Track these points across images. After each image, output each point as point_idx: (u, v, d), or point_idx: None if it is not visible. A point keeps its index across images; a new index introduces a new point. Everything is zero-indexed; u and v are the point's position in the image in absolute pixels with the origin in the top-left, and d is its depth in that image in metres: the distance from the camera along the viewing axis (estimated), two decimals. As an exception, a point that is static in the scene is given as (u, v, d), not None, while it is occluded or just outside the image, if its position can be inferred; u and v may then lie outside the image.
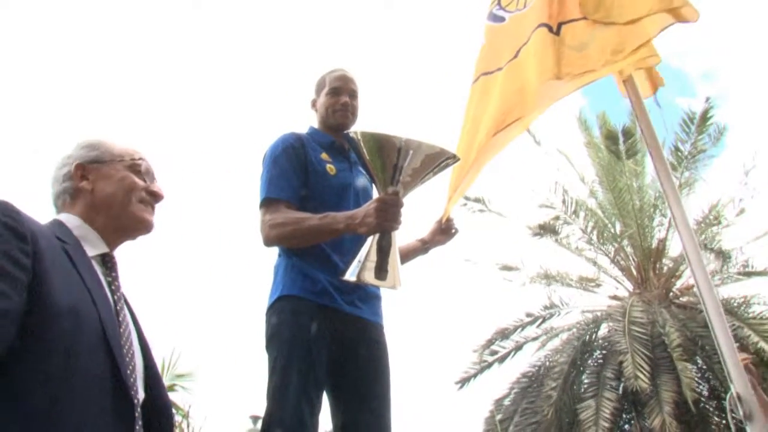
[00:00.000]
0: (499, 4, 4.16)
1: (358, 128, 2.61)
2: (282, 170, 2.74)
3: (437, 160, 2.24)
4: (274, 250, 2.85)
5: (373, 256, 2.27)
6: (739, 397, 3.18)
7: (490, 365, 14.15)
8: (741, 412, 3.14)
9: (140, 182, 1.84)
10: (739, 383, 3.18)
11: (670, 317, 11.98)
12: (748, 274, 13.48)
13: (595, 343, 13.97)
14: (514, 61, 3.77)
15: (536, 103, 3.55)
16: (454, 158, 2.30)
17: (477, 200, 14.44)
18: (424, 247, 3.14)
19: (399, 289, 2.31)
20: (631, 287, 14.18)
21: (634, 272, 14.09)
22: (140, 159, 1.88)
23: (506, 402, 13.90)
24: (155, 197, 1.87)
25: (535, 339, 14.29)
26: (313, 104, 3.09)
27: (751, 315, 12.35)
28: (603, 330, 13.64)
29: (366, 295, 2.77)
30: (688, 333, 11.91)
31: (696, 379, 10.33)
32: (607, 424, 11.70)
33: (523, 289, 14.51)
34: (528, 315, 14.28)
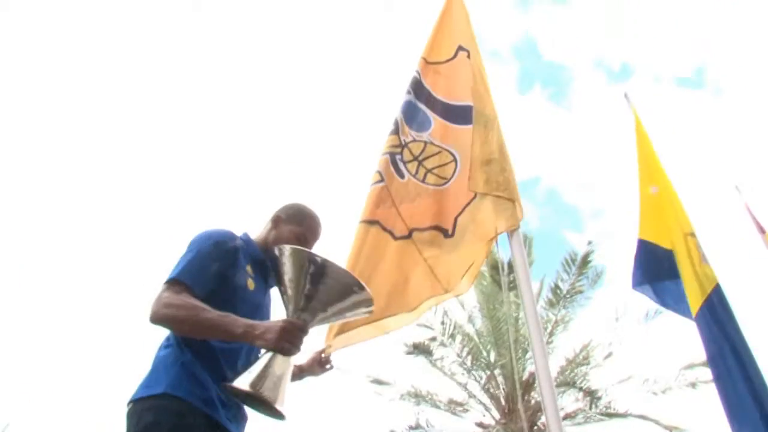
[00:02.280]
0: (401, 153, 4.44)
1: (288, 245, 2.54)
2: (202, 260, 2.59)
3: (349, 294, 2.38)
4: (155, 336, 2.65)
5: (268, 373, 2.26)
6: None
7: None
8: None
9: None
10: None
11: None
12: (610, 416, 13.84)
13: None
14: (404, 242, 4.13)
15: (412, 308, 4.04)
16: (367, 304, 2.43)
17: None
18: (299, 373, 3.13)
19: (283, 415, 2.30)
20: (498, 416, 14.25)
21: (503, 402, 14.21)
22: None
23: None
24: None
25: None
26: (277, 223, 2.96)
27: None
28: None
29: (240, 415, 2.64)
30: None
31: None
32: None
33: (392, 405, 14.39)
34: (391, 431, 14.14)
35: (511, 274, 4.08)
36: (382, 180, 4.31)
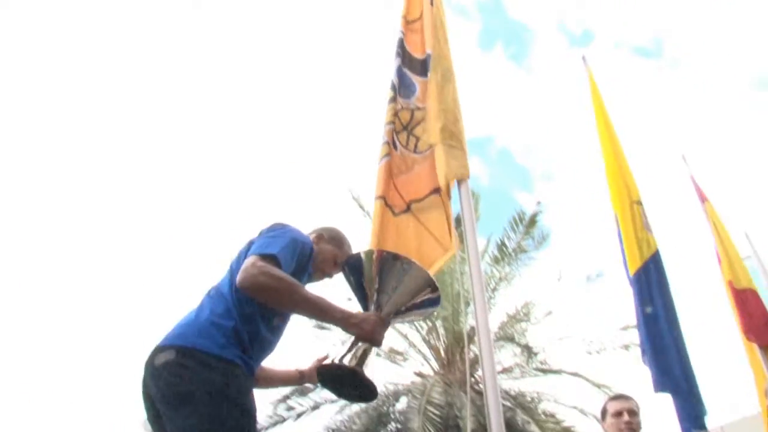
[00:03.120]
0: (394, 123, 4.38)
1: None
2: (292, 251, 2.68)
3: (424, 292, 2.56)
4: None
5: (365, 359, 2.43)
6: None
7: (284, 420, 13.95)
8: None
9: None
10: None
11: (467, 402, 12.28)
12: (545, 371, 14.19)
13: (392, 416, 14.09)
14: (404, 216, 4.14)
15: None
16: (434, 297, 2.59)
17: (308, 255, 14.41)
18: (299, 378, 3.24)
19: (376, 395, 2.55)
20: (437, 367, 14.47)
21: (443, 353, 14.43)
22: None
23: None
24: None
25: (333, 402, 14.25)
26: (319, 240, 3.07)
27: (539, 410, 12.97)
28: (402, 404, 13.80)
29: None
30: (482, 419, 12.26)
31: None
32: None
33: (333, 350, 14.49)
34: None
35: (458, 228, 4.08)
36: (389, 153, 4.28)
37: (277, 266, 2.51)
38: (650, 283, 5.25)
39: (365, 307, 2.58)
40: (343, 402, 14.23)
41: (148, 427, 2.61)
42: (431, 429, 11.70)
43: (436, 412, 12.16)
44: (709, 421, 4.86)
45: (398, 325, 14.30)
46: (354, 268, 2.65)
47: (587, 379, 13.88)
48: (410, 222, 4.11)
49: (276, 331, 2.78)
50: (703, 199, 7.28)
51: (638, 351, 5.50)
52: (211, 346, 2.48)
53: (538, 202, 14.96)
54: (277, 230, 2.76)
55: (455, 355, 14.12)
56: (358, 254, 2.66)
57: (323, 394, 14.13)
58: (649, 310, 5.21)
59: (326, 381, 2.58)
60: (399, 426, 13.60)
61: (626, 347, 13.68)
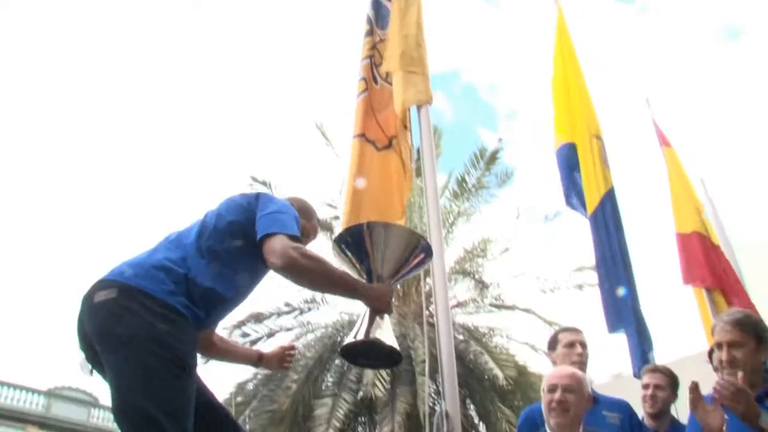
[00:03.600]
0: (373, 57, 4.29)
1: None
2: (298, 229, 2.63)
3: (415, 251, 2.61)
4: None
5: (386, 328, 2.55)
6: (447, 415, 3.42)
7: (239, 346, 14.00)
8: (445, 428, 3.39)
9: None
10: (449, 401, 3.43)
11: (421, 334, 12.42)
12: (499, 307, 14.42)
13: (346, 345, 14.22)
14: (386, 152, 4.09)
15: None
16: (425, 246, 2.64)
17: (263, 183, 14.34)
18: (257, 359, 3.19)
19: (401, 358, 2.67)
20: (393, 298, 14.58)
21: (398, 286, 14.53)
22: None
23: (249, 386, 13.82)
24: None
25: (289, 330, 14.37)
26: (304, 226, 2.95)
27: (492, 344, 13.21)
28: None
29: None
30: (435, 351, 12.43)
31: (432, 394, 10.77)
32: (338, 424, 11.98)
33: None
34: (287, 305, 14.34)
35: (417, 161, 4.06)
36: (366, 89, 4.18)
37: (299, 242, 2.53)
38: (606, 221, 5.29)
39: (369, 280, 2.61)
40: (298, 330, 14.37)
41: (87, 367, 2.52)
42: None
43: (390, 342, 12.31)
44: (656, 358, 4.96)
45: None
46: (349, 244, 2.66)
47: (540, 317, 14.13)
48: (392, 158, 4.08)
49: (239, 293, 2.69)
50: (663, 143, 7.30)
51: (591, 291, 5.59)
52: (158, 290, 2.38)
53: (500, 139, 15.02)
54: (277, 204, 2.67)
55: (411, 288, 14.24)
56: (355, 228, 2.68)
57: (279, 321, 14.24)
58: (607, 254, 5.27)
59: (352, 357, 2.67)
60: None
61: (579, 287, 13.90)
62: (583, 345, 3.95)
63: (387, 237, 2.57)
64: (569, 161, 5.53)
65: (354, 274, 2.64)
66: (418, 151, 4.22)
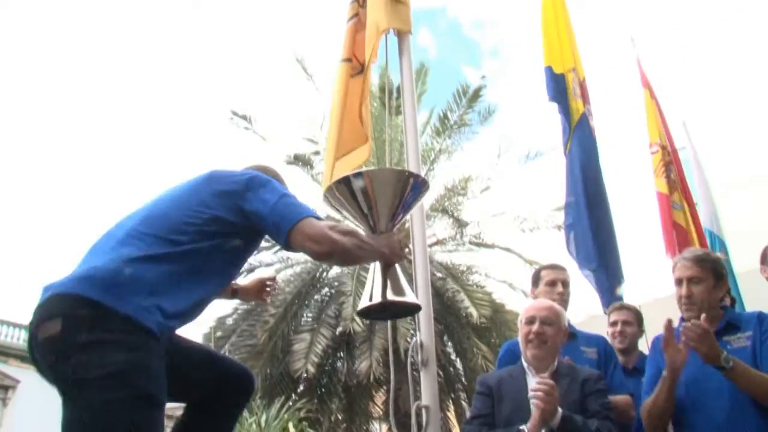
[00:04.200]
0: None
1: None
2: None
3: (407, 186, 2.48)
4: None
5: (393, 282, 2.48)
6: (421, 345, 3.52)
7: (218, 284, 14.01)
8: (419, 358, 3.51)
9: None
10: (424, 333, 3.50)
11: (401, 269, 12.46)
12: (478, 245, 14.50)
13: (325, 281, 14.34)
14: (359, 77, 4.11)
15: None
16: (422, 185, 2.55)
17: (243, 117, 14.19)
18: (232, 293, 3.13)
19: (420, 306, 2.73)
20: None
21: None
22: None
23: (228, 321, 13.88)
24: None
25: (269, 265, 14.36)
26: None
27: (469, 282, 13.32)
28: (335, 270, 14.00)
29: None
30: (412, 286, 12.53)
31: (410, 330, 10.90)
32: (317, 359, 12.11)
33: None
34: (266, 240, 14.29)
35: (399, 98, 4.01)
36: (356, 14, 4.12)
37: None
38: (578, 155, 5.32)
39: (371, 228, 2.48)
40: (278, 265, 14.38)
41: None
42: (362, 292, 11.94)
43: (369, 277, 12.40)
44: (629, 299, 5.03)
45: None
46: (339, 199, 2.49)
47: (519, 255, 14.25)
48: (360, 84, 4.09)
49: (215, 293, 2.43)
50: (644, 84, 7.26)
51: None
52: (124, 304, 1.98)
53: (483, 76, 14.84)
54: (270, 188, 2.36)
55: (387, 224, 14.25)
56: (340, 182, 2.45)
57: (258, 257, 14.22)
58: (572, 198, 5.29)
59: (372, 317, 2.83)
60: (332, 290, 13.85)
61: (559, 227, 13.94)
62: (565, 284, 3.96)
63: (374, 185, 2.42)
64: (558, 86, 5.53)
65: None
66: (398, 89, 4.19)
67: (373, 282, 2.50)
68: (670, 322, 2.99)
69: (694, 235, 6.34)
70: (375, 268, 2.51)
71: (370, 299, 2.47)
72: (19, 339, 25.09)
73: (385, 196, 2.43)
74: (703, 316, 2.91)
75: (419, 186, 2.51)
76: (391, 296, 2.44)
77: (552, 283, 3.95)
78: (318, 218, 2.29)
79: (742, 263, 7.03)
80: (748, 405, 2.90)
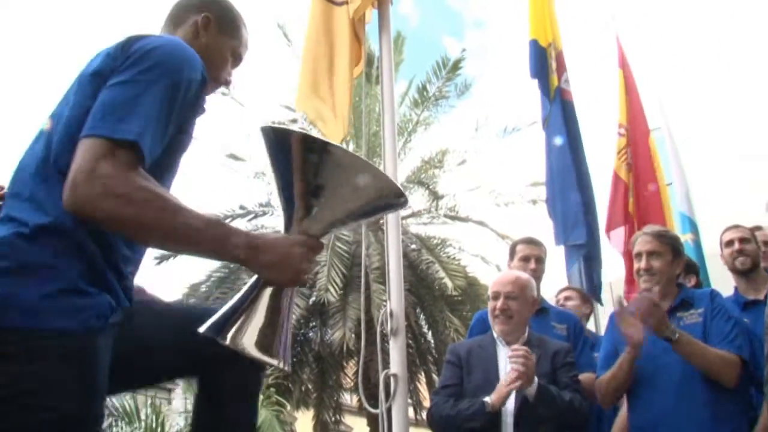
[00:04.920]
0: None
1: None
2: (167, 115, 1.54)
3: (378, 199, 1.70)
4: None
5: (262, 317, 1.59)
6: (391, 314, 3.58)
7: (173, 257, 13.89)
8: (389, 326, 3.56)
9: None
10: (395, 302, 3.53)
11: (375, 241, 12.48)
12: (453, 218, 14.53)
13: (300, 251, 14.25)
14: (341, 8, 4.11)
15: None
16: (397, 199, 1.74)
17: (221, 81, 13.99)
18: None
19: (286, 368, 1.70)
20: (348, 204, 14.57)
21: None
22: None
23: (202, 288, 13.81)
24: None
25: (243, 232, 14.26)
26: (205, 28, 1.90)
27: (444, 254, 13.37)
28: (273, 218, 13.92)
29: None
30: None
31: (385, 300, 10.99)
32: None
33: (245, 182, 14.37)
34: (242, 208, 14.26)
35: (377, 67, 4.00)
36: None
37: (136, 162, 1.45)
38: (557, 130, 5.34)
39: (288, 215, 1.68)
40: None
41: None
42: (338, 263, 11.97)
43: (344, 248, 12.46)
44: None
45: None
46: (275, 146, 1.68)
47: (493, 230, 14.32)
48: (343, 15, 4.07)
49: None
50: (620, 64, 7.21)
51: (544, 207, 5.61)
52: (44, 316, 1.41)
53: (463, 49, 14.78)
54: (141, 61, 1.55)
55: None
56: (284, 130, 1.67)
57: (233, 224, 14.07)
58: (559, 164, 5.30)
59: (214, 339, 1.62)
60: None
61: (533, 202, 14.04)
62: (539, 260, 3.98)
63: (345, 174, 1.60)
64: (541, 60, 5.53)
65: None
66: (378, 57, 4.17)
67: (239, 301, 1.63)
68: (620, 298, 3.10)
69: (663, 215, 6.36)
70: (252, 281, 1.65)
71: (222, 324, 1.58)
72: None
73: (346, 196, 1.64)
74: (655, 288, 3.07)
75: (395, 207, 2.02)
76: (245, 341, 1.57)
77: (525, 259, 3.96)
78: (130, 148, 1.44)
79: (711, 245, 7.08)
80: (698, 379, 3.01)
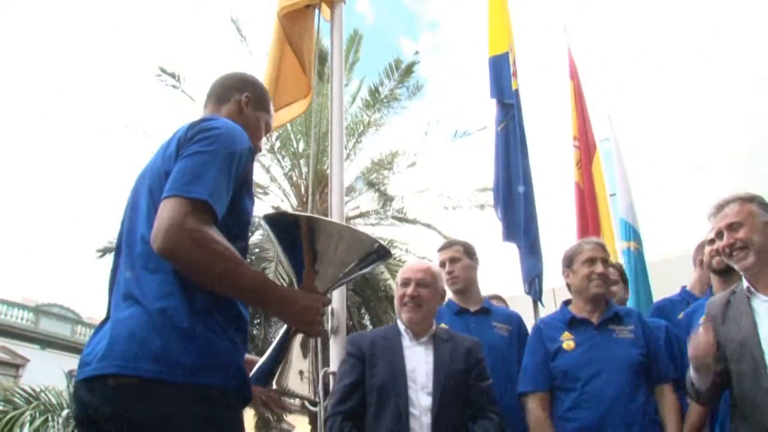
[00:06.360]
0: None
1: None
2: (227, 179, 1.85)
3: (367, 254, 2.07)
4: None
5: (296, 362, 1.99)
6: (332, 312, 3.60)
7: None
8: (329, 325, 3.57)
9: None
10: (336, 300, 3.55)
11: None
12: (400, 220, 14.59)
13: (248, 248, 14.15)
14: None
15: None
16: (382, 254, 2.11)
17: (172, 75, 13.87)
18: None
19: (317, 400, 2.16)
20: (296, 204, 14.53)
21: (303, 191, 14.46)
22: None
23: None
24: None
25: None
26: (244, 105, 2.28)
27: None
28: (257, 236, 13.88)
29: None
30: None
31: (330, 299, 10.95)
32: (234, 325, 12.03)
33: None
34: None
35: (328, 66, 4.01)
36: None
37: (209, 218, 1.73)
38: (510, 135, 5.39)
39: (299, 279, 2.02)
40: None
41: None
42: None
43: (290, 248, 12.39)
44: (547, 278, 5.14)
45: (262, 159, 14.18)
46: (279, 227, 2.11)
47: (440, 232, 14.39)
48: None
49: None
50: (571, 76, 7.33)
51: (492, 212, 5.67)
52: (182, 369, 1.70)
53: (416, 52, 14.89)
54: (205, 138, 1.87)
55: (315, 195, 14.22)
56: (284, 215, 2.20)
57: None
58: (508, 165, 5.36)
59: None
60: (253, 257, 13.74)
61: (482, 207, 14.19)
62: (453, 260, 3.92)
63: (337, 243, 1.99)
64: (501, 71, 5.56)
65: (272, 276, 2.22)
66: (329, 56, 4.17)
67: (276, 350, 2.00)
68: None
69: (604, 225, 6.52)
70: (283, 331, 2.02)
71: (265, 374, 1.98)
72: (26, 320, 26.97)
73: (340, 260, 2.01)
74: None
75: (383, 257, 2.15)
76: (290, 384, 1.98)
77: (441, 264, 3.94)
78: (203, 207, 1.73)
79: (653, 253, 7.24)
80: (641, 380, 3.18)
